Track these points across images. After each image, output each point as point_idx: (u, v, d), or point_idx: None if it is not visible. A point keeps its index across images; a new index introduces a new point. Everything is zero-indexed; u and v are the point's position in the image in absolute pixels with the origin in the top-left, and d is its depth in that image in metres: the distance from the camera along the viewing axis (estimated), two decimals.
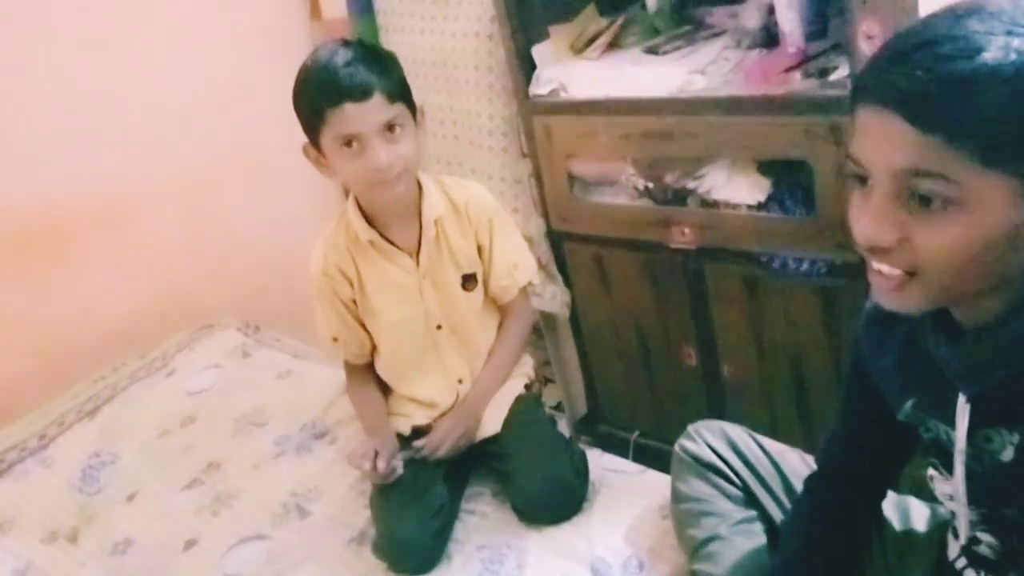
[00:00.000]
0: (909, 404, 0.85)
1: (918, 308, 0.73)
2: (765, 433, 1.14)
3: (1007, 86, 0.60)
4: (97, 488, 1.61)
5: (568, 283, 1.87)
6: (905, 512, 1.04)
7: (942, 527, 0.97)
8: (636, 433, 1.89)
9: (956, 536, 0.89)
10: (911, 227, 0.67)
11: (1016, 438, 0.74)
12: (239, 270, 2.21)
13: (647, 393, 1.86)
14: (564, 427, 2.01)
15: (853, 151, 0.70)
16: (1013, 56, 0.61)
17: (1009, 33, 0.62)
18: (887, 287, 0.71)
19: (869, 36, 1.22)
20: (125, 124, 2.00)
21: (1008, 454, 0.75)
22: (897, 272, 0.69)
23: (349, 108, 1.21)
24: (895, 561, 1.00)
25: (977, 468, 0.78)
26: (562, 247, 1.85)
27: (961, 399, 0.77)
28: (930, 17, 0.67)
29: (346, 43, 1.28)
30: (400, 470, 1.32)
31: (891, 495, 1.05)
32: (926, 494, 1.05)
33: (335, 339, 1.44)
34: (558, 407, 2.10)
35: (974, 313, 0.74)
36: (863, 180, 0.70)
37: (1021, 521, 0.78)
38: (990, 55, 0.61)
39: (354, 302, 1.41)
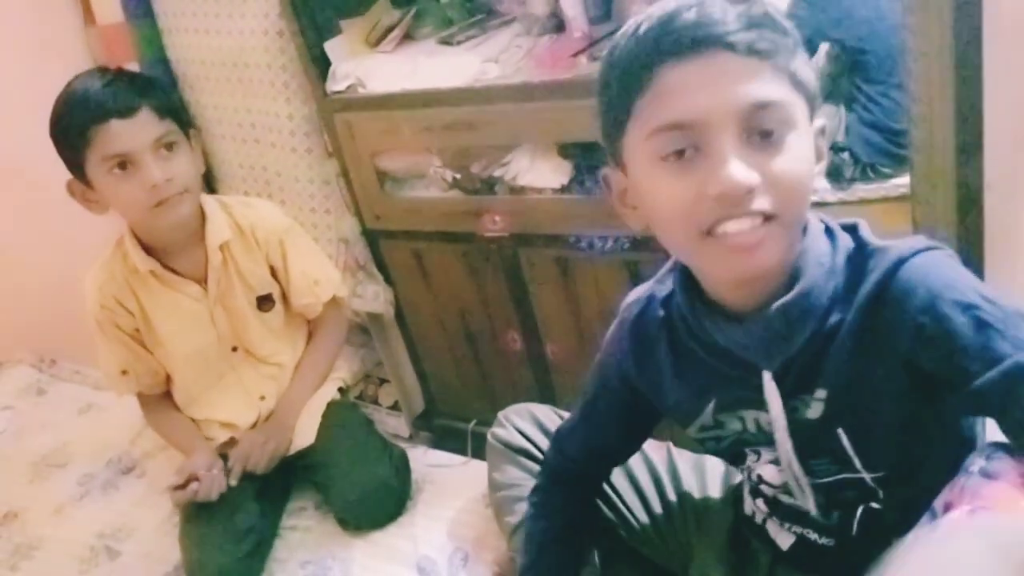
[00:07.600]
0: (709, 408, 0.84)
1: (773, 263, 0.71)
2: None
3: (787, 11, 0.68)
4: None
5: (389, 280, 1.83)
6: (702, 474, 1.07)
7: (736, 486, 1.02)
8: (473, 423, 1.89)
9: (753, 495, 0.92)
10: (763, 162, 0.67)
11: (822, 393, 0.76)
12: (29, 301, 2.01)
13: (478, 382, 1.86)
14: (402, 425, 1.98)
15: (671, 118, 0.68)
16: None
17: None
18: (748, 244, 0.68)
19: None
20: None
21: (816, 411, 0.76)
22: (758, 221, 0.68)
23: (115, 125, 1.16)
24: (695, 527, 1.03)
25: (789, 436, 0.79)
26: (379, 245, 1.81)
27: (766, 376, 0.77)
28: None
29: (103, 69, 1.26)
30: (223, 483, 1.25)
31: (687, 455, 1.09)
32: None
33: (124, 372, 1.36)
34: (395, 406, 2.07)
35: (758, 288, 0.74)
36: (679, 153, 0.68)
37: (824, 471, 0.80)
38: None
39: (138, 331, 1.34)
